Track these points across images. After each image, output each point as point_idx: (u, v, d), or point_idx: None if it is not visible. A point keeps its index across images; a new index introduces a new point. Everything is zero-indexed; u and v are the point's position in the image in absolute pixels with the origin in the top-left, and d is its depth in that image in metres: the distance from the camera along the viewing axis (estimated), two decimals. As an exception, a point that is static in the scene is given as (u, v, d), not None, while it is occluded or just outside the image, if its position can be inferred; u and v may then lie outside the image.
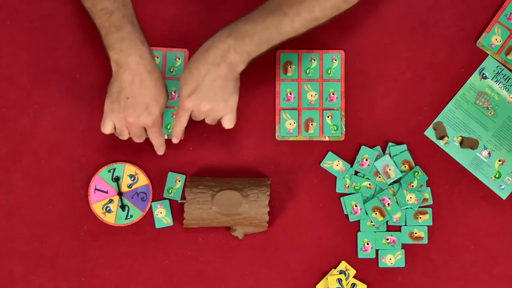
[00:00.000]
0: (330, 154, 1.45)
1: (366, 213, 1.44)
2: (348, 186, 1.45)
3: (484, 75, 1.46)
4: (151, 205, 1.44)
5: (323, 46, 1.47)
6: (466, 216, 1.45)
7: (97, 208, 1.43)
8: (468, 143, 1.46)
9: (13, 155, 1.44)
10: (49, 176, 1.44)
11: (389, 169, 1.44)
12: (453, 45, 1.47)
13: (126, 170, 1.44)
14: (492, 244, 1.44)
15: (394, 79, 1.47)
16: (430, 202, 1.44)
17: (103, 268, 1.43)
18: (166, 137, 1.45)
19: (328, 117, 1.45)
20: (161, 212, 1.44)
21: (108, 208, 1.43)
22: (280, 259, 1.44)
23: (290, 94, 1.46)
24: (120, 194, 1.44)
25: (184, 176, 1.44)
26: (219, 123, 1.43)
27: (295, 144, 1.46)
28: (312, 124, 1.45)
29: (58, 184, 1.44)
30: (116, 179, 1.44)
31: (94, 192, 1.44)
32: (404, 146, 1.45)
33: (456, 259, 1.44)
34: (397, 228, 1.45)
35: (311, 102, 1.46)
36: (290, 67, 1.46)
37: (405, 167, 1.45)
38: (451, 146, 1.46)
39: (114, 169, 1.44)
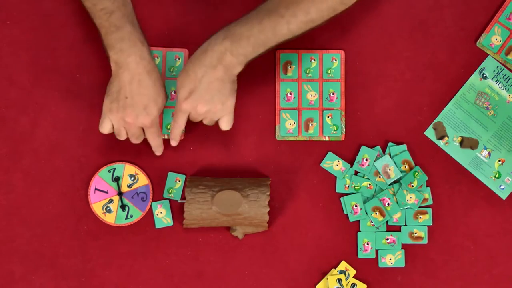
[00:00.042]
0: (330, 154, 1.45)
1: (366, 213, 1.44)
2: (348, 186, 1.45)
3: (484, 75, 1.46)
4: (151, 205, 1.44)
5: (323, 46, 1.47)
6: (466, 216, 1.45)
7: (97, 208, 1.43)
8: (468, 143, 1.46)
9: (13, 155, 1.44)
10: (49, 176, 1.44)
11: (389, 169, 1.44)
12: (453, 45, 1.47)
13: (126, 170, 1.44)
14: (492, 244, 1.44)
15: (394, 79, 1.47)
16: (430, 202, 1.44)
17: (103, 268, 1.43)
18: (166, 137, 1.45)
19: (328, 117, 1.45)
20: (161, 212, 1.44)
21: (108, 208, 1.43)
22: (280, 259, 1.44)
23: (290, 94, 1.46)
24: (120, 194, 1.44)
25: (184, 176, 1.45)
26: (217, 124, 1.43)
27: (295, 144, 1.46)
28: (312, 124, 1.45)
29: (58, 184, 1.44)
30: (116, 179, 1.44)
31: (94, 192, 1.44)
32: (404, 146, 1.45)
33: (456, 259, 1.44)
34: (397, 228, 1.45)
35: (311, 102, 1.46)
36: (290, 67, 1.46)
37: (405, 167, 1.45)
38: (451, 146, 1.46)
39: (114, 169, 1.44)
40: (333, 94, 1.46)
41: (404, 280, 1.44)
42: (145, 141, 1.41)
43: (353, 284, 1.43)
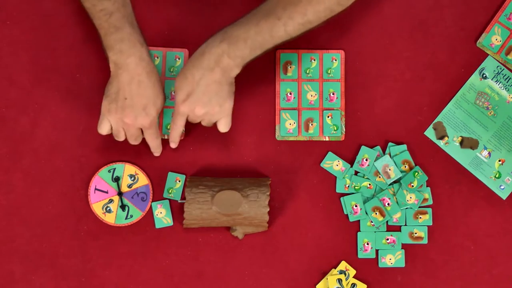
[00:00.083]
0: (330, 154, 1.45)
1: (366, 213, 1.44)
2: (348, 186, 1.45)
3: (484, 75, 1.46)
4: (151, 205, 1.44)
5: (323, 46, 1.47)
6: (466, 216, 1.45)
7: (97, 208, 1.43)
8: (468, 143, 1.46)
9: (13, 155, 1.44)
10: (49, 176, 1.44)
11: (389, 169, 1.44)
12: (453, 45, 1.47)
13: (126, 170, 1.44)
14: (492, 244, 1.44)
15: (394, 79, 1.47)
16: (430, 202, 1.44)
17: (103, 268, 1.43)
18: (166, 137, 1.45)
19: (328, 117, 1.45)
20: (161, 212, 1.44)
21: (108, 208, 1.43)
22: (280, 259, 1.44)
23: (290, 94, 1.46)
24: (120, 194, 1.44)
25: (184, 176, 1.45)
26: (216, 125, 1.43)
27: (295, 144, 1.46)
28: (312, 124, 1.45)
29: (58, 184, 1.44)
30: (116, 179, 1.44)
31: (94, 192, 1.44)
32: (404, 146, 1.45)
33: (456, 259, 1.44)
34: (397, 228, 1.45)
35: (311, 102, 1.46)
36: (290, 67, 1.46)
37: (405, 167, 1.45)
38: (451, 146, 1.46)
39: (114, 169, 1.44)
40: (333, 94, 1.46)
41: (404, 280, 1.44)
42: (145, 141, 1.41)
43: (353, 284, 1.43)
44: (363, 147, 1.45)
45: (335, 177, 1.45)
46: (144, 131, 1.35)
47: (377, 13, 1.48)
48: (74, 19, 1.46)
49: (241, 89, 1.45)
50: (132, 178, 1.44)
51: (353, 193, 1.45)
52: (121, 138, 1.36)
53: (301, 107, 1.46)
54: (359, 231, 1.44)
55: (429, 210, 1.44)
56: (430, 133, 1.46)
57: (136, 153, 1.45)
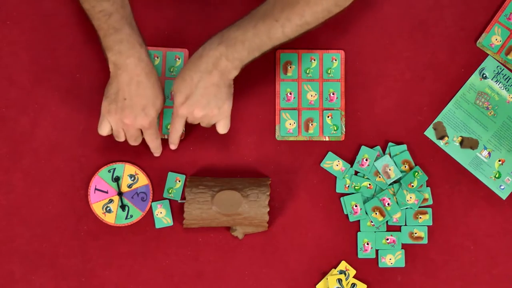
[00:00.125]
0: (330, 154, 1.45)
1: (366, 213, 1.44)
2: (348, 186, 1.45)
3: (484, 75, 1.46)
4: (151, 205, 1.44)
5: (323, 46, 1.47)
6: (466, 216, 1.45)
7: (97, 208, 1.43)
8: (468, 143, 1.46)
9: (13, 155, 1.44)
10: (49, 176, 1.44)
11: (389, 169, 1.44)
12: (453, 45, 1.47)
13: (126, 170, 1.44)
14: (492, 244, 1.44)
15: (394, 79, 1.47)
16: (430, 202, 1.44)
17: (103, 268, 1.43)
18: (166, 137, 1.45)
19: (328, 117, 1.45)
20: (161, 212, 1.44)
21: (108, 208, 1.43)
22: (280, 259, 1.44)
23: (290, 94, 1.46)
24: (120, 194, 1.44)
25: (184, 176, 1.45)
26: (215, 125, 1.43)
27: (295, 144, 1.46)
28: (312, 124, 1.45)
29: (58, 184, 1.44)
30: (116, 179, 1.44)
31: (94, 192, 1.44)
32: (404, 146, 1.45)
33: (456, 259, 1.44)
34: (397, 228, 1.45)
35: (311, 102, 1.46)
36: (290, 67, 1.46)
37: (405, 167, 1.45)
38: (451, 146, 1.46)
39: (114, 169, 1.44)
40: (333, 94, 1.46)
41: (404, 280, 1.44)
42: (145, 142, 1.41)
43: (353, 284, 1.43)
44: (363, 147, 1.45)
45: (335, 177, 1.45)
46: (143, 132, 1.35)
47: (377, 13, 1.48)
48: (74, 19, 1.46)
49: (241, 89, 1.45)
50: (132, 178, 1.44)
51: (353, 193, 1.45)
52: (121, 138, 1.36)
53: (301, 107, 1.46)
54: (359, 231, 1.44)
55: (429, 210, 1.44)
56: (430, 133, 1.46)
57: (136, 153, 1.45)
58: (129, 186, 1.44)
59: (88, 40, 1.46)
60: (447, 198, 1.45)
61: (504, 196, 1.45)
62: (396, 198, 1.43)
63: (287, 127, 1.45)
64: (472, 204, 1.45)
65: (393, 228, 1.45)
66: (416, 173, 1.43)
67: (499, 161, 1.45)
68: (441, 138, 1.46)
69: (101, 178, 1.44)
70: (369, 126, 1.46)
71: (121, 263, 1.43)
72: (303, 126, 1.45)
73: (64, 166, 1.44)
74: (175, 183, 1.44)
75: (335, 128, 1.45)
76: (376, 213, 1.43)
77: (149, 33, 1.46)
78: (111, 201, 1.44)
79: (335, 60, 1.46)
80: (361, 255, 1.44)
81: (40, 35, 1.46)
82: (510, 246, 1.44)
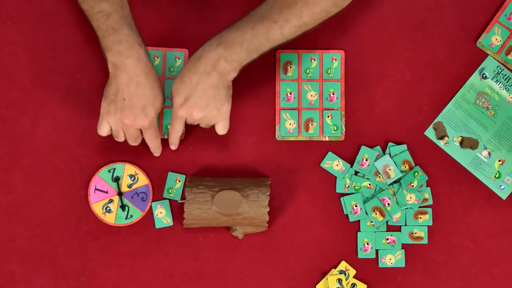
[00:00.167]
0: (330, 154, 1.45)
1: (366, 213, 1.44)
2: (348, 186, 1.45)
3: (484, 75, 1.46)
4: (151, 205, 1.44)
5: (323, 46, 1.47)
6: (466, 216, 1.45)
7: (97, 208, 1.43)
8: (468, 143, 1.46)
9: (13, 155, 1.44)
10: (49, 176, 1.44)
11: (389, 169, 1.44)
12: (453, 45, 1.47)
13: (126, 170, 1.44)
14: (492, 244, 1.44)
15: (394, 79, 1.47)
16: (430, 202, 1.44)
17: (103, 268, 1.43)
18: (165, 137, 1.45)
19: (328, 117, 1.45)
20: (161, 212, 1.44)
21: (108, 208, 1.43)
22: (280, 259, 1.44)
23: (290, 94, 1.46)
24: (120, 194, 1.44)
25: (184, 176, 1.45)
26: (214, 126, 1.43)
27: (295, 144, 1.46)
28: (312, 124, 1.45)
29: (58, 184, 1.44)
30: (116, 179, 1.44)
31: (94, 192, 1.44)
32: (404, 146, 1.45)
33: (456, 259, 1.44)
34: (397, 228, 1.45)
35: (311, 102, 1.46)
36: (290, 67, 1.46)
37: (405, 167, 1.45)
38: (451, 146, 1.46)
39: (114, 169, 1.44)
40: (333, 94, 1.46)
41: (404, 280, 1.44)
42: (145, 142, 1.41)
43: (353, 284, 1.43)
44: (363, 147, 1.45)
45: (335, 177, 1.45)
46: (143, 132, 1.36)
47: (377, 13, 1.48)
48: (74, 19, 1.46)
49: (241, 89, 1.45)
50: (132, 178, 1.44)
51: (353, 193, 1.45)
52: (121, 139, 1.36)
53: (301, 107, 1.46)
54: (359, 231, 1.44)
55: (429, 210, 1.44)
56: (430, 133, 1.46)
57: (136, 153, 1.45)
58: (129, 186, 1.44)
59: (88, 40, 1.46)
60: (447, 198, 1.45)
61: (504, 196, 1.45)
62: (396, 198, 1.43)
63: (287, 127, 1.45)
64: (472, 204, 1.45)
65: (393, 228, 1.45)
66: (416, 173, 1.43)
67: (499, 161, 1.45)
68: (441, 138, 1.46)
69: (101, 178, 1.44)
70: (369, 126, 1.46)
71: (121, 263, 1.43)
72: (303, 126, 1.45)
73: (64, 166, 1.44)
74: (175, 183, 1.44)
75: (335, 128, 1.45)
76: (376, 213, 1.43)
77: (149, 33, 1.46)
78: (111, 201, 1.44)
79: (335, 60, 1.46)
80: (361, 255, 1.44)
81: (40, 35, 1.46)
82: (510, 246, 1.44)
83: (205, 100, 1.30)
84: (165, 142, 1.44)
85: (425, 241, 1.44)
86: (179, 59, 1.46)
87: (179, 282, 1.43)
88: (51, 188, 1.44)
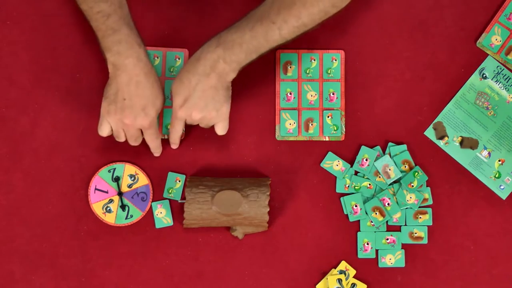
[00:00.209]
0: (330, 154, 1.45)
1: (366, 213, 1.44)
2: (348, 186, 1.45)
3: (484, 75, 1.46)
4: (151, 205, 1.44)
5: (323, 46, 1.47)
6: (466, 216, 1.45)
7: (97, 208, 1.43)
8: (468, 143, 1.46)
9: (13, 155, 1.44)
10: (49, 176, 1.44)
11: (389, 169, 1.44)
12: (453, 45, 1.47)
13: (126, 170, 1.44)
14: (492, 244, 1.44)
15: (394, 79, 1.47)
16: (430, 202, 1.44)
17: (103, 268, 1.43)
18: (166, 137, 1.45)
19: (328, 117, 1.45)
20: (161, 212, 1.44)
21: (108, 208, 1.43)
22: (280, 259, 1.44)
23: (290, 94, 1.46)
24: (120, 194, 1.44)
25: (184, 176, 1.45)
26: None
27: (295, 144, 1.46)
28: (312, 124, 1.45)
29: (58, 184, 1.44)
30: (116, 179, 1.44)
31: (94, 192, 1.44)
32: (404, 146, 1.45)
33: (456, 259, 1.44)
34: (397, 228, 1.45)
35: (311, 102, 1.46)
36: (290, 67, 1.46)
37: (405, 167, 1.45)
38: (451, 146, 1.46)
39: (114, 169, 1.44)
40: (333, 94, 1.46)
41: (404, 280, 1.44)
42: (145, 141, 1.41)
43: (353, 284, 1.43)
44: (363, 147, 1.45)
45: (335, 177, 1.45)
46: (144, 132, 1.36)
47: (377, 13, 1.48)
48: (74, 19, 1.46)
49: (241, 89, 1.45)
50: (132, 178, 1.44)
51: (353, 193, 1.45)
52: (121, 139, 1.36)
53: (301, 107, 1.46)
54: (359, 231, 1.44)
55: (429, 210, 1.44)
56: (430, 133, 1.46)
57: (136, 153, 1.45)
58: (129, 186, 1.44)
59: (88, 40, 1.46)
60: (447, 198, 1.45)
61: (504, 196, 1.45)
62: (396, 198, 1.43)
63: (287, 127, 1.45)
64: (472, 204, 1.45)
65: (393, 228, 1.45)
66: (416, 173, 1.43)
67: (499, 161, 1.45)
68: (441, 138, 1.46)
69: (101, 178, 1.44)
70: (369, 126, 1.46)
71: (121, 263, 1.43)
72: (303, 126, 1.45)
73: (64, 166, 1.44)
74: (175, 183, 1.44)
75: (335, 128, 1.45)
76: (376, 213, 1.43)
77: (149, 33, 1.46)
78: (111, 201, 1.44)
79: (335, 60, 1.46)
80: (361, 255, 1.44)
81: (40, 35, 1.46)
82: (510, 246, 1.44)
83: (204, 101, 1.30)
84: (165, 142, 1.44)
85: (425, 241, 1.44)
86: (179, 59, 1.46)
87: (179, 282, 1.43)
88: (51, 188, 1.44)
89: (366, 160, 1.44)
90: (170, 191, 1.44)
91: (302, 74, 1.46)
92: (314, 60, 1.46)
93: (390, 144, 1.45)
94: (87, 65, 1.46)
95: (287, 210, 1.45)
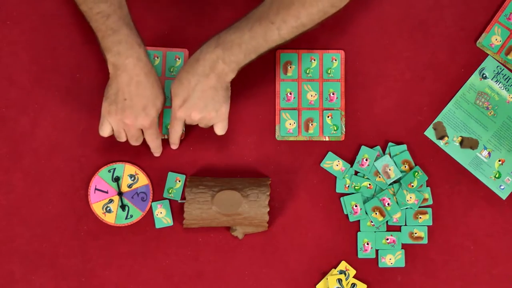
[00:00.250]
0: (330, 154, 1.45)
1: (366, 213, 1.44)
2: (348, 186, 1.45)
3: (484, 75, 1.46)
4: (151, 205, 1.44)
5: (323, 46, 1.47)
6: (466, 216, 1.45)
7: (97, 208, 1.43)
8: (468, 143, 1.46)
9: (13, 155, 1.44)
10: (49, 176, 1.44)
11: (389, 169, 1.44)
12: (453, 45, 1.47)
13: (126, 170, 1.44)
14: (492, 244, 1.44)
15: (394, 79, 1.47)
16: (430, 202, 1.44)
17: (103, 268, 1.43)
18: (166, 137, 1.45)
19: (328, 117, 1.45)
20: (161, 212, 1.44)
21: (108, 208, 1.43)
22: (280, 259, 1.44)
23: (290, 94, 1.46)
24: (120, 194, 1.44)
25: (184, 176, 1.45)
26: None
27: (295, 144, 1.46)
28: (312, 124, 1.45)
29: (58, 184, 1.44)
30: (116, 179, 1.44)
31: (94, 192, 1.44)
32: (404, 146, 1.45)
33: (456, 259, 1.44)
34: (397, 228, 1.45)
35: (311, 102, 1.46)
36: (290, 67, 1.46)
37: (405, 167, 1.45)
38: (451, 146, 1.46)
39: (114, 169, 1.44)
40: (333, 94, 1.46)
41: (404, 280, 1.44)
42: (145, 141, 1.41)
43: (353, 284, 1.43)
44: (363, 147, 1.45)
45: (335, 177, 1.45)
46: (144, 132, 1.36)
47: (377, 13, 1.48)
48: (74, 19, 1.46)
49: (241, 89, 1.45)
50: (132, 178, 1.44)
51: (353, 193, 1.45)
52: (122, 139, 1.36)
53: (301, 107, 1.46)
54: (359, 231, 1.44)
55: (429, 210, 1.44)
56: (430, 133, 1.46)
57: (136, 153, 1.45)
58: (129, 186, 1.44)
59: (88, 40, 1.46)
60: (447, 198, 1.45)
61: (504, 196, 1.45)
62: (396, 198, 1.43)
63: (287, 127, 1.45)
64: (472, 204, 1.45)
65: (393, 228, 1.45)
66: (416, 173, 1.43)
67: (499, 161, 1.45)
68: (441, 138, 1.46)
69: (101, 178, 1.44)
70: (369, 126, 1.46)
71: (121, 263, 1.43)
72: (303, 126, 1.45)
73: (64, 166, 1.44)
74: (175, 183, 1.44)
75: (335, 128, 1.45)
76: (376, 213, 1.43)
77: (149, 33, 1.46)
78: (111, 201, 1.44)
79: (335, 60, 1.46)
80: (361, 255, 1.44)
81: (40, 35, 1.46)
82: (510, 246, 1.44)
83: (203, 102, 1.30)
84: (165, 142, 1.44)
85: (425, 241, 1.44)
86: (179, 59, 1.46)
87: (179, 282, 1.43)
88: (51, 188, 1.44)
89: (366, 160, 1.44)
90: (170, 191, 1.44)
91: (302, 74, 1.46)
92: (314, 60, 1.46)
93: (390, 144, 1.45)
94: (87, 65, 1.46)
95: (287, 210, 1.45)
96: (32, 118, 1.45)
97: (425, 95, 1.46)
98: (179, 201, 1.44)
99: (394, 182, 1.45)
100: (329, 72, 1.46)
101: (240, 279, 1.43)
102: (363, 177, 1.45)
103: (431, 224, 1.44)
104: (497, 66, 1.46)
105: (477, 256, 1.44)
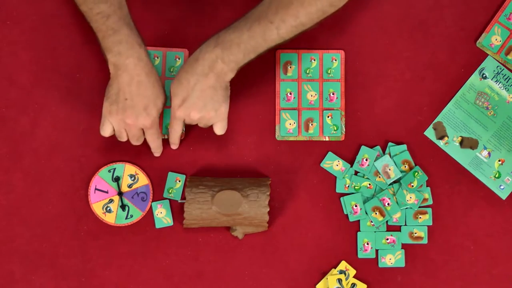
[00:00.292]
0: (330, 154, 1.45)
1: (366, 213, 1.44)
2: (348, 186, 1.45)
3: (484, 75, 1.46)
4: (151, 205, 1.44)
5: (323, 46, 1.47)
6: (466, 216, 1.45)
7: (97, 208, 1.43)
8: (468, 143, 1.46)
9: (13, 155, 1.44)
10: (49, 176, 1.44)
11: (389, 169, 1.44)
12: (453, 45, 1.47)
13: (126, 170, 1.44)
14: (492, 244, 1.44)
15: (394, 79, 1.47)
16: (430, 202, 1.44)
17: (103, 268, 1.43)
18: (166, 137, 1.45)
19: (328, 117, 1.45)
20: (161, 212, 1.44)
21: (108, 208, 1.43)
22: (280, 259, 1.44)
23: (290, 94, 1.46)
24: (120, 194, 1.44)
25: (184, 176, 1.45)
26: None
27: (295, 144, 1.46)
28: (312, 124, 1.45)
29: (58, 184, 1.44)
30: (116, 179, 1.44)
31: (94, 192, 1.44)
32: (404, 146, 1.45)
33: (456, 259, 1.44)
34: (397, 228, 1.45)
35: (311, 102, 1.46)
36: (290, 67, 1.46)
37: (405, 167, 1.45)
38: (451, 146, 1.46)
39: (114, 169, 1.44)
40: (333, 94, 1.46)
41: (404, 280, 1.44)
42: (145, 141, 1.41)
43: (353, 284, 1.43)
44: (363, 147, 1.45)
45: (335, 177, 1.45)
46: (145, 131, 1.36)
47: (377, 13, 1.48)
48: (74, 20, 1.46)
49: (241, 89, 1.45)
50: (132, 178, 1.44)
51: (353, 193, 1.45)
52: (123, 139, 1.36)
53: (301, 107, 1.46)
54: (359, 231, 1.44)
55: (429, 210, 1.44)
56: (430, 133, 1.46)
57: (136, 153, 1.45)
58: (129, 186, 1.44)
59: (88, 40, 1.46)
60: (447, 198, 1.45)
61: (504, 196, 1.45)
62: (396, 198, 1.43)
63: (287, 127, 1.45)
64: (472, 204, 1.45)
65: (393, 228, 1.45)
66: (416, 173, 1.43)
67: (499, 161, 1.45)
68: (441, 138, 1.46)
69: (101, 178, 1.44)
70: (369, 126, 1.46)
71: (121, 263, 1.43)
72: (303, 126, 1.45)
73: (64, 166, 1.44)
74: (175, 183, 1.44)
75: (335, 128, 1.45)
76: (376, 213, 1.43)
77: (149, 33, 1.46)
78: (111, 201, 1.44)
79: (335, 60, 1.46)
80: (361, 255, 1.44)
81: (40, 35, 1.46)
82: (510, 246, 1.44)
83: (202, 101, 1.31)
84: (165, 142, 1.44)
85: (425, 241, 1.44)
86: (179, 59, 1.46)
87: (179, 282, 1.43)
88: (51, 188, 1.44)
89: (366, 160, 1.44)
90: (170, 191, 1.44)
91: (302, 74, 1.46)
92: (314, 60, 1.46)
93: (390, 144, 1.45)
94: (87, 65, 1.46)
95: (287, 210, 1.45)
96: (32, 118, 1.45)
97: (425, 95, 1.46)
98: (179, 201, 1.44)
99: (394, 182, 1.45)
100: (329, 72, 1.46)
101: (240, 279, 1.43)
102: (363, 177, 1.45)
103: (431, 224, 1.44)
104: (497, 66, 1.46)
105: (477, 256, 1.44)
